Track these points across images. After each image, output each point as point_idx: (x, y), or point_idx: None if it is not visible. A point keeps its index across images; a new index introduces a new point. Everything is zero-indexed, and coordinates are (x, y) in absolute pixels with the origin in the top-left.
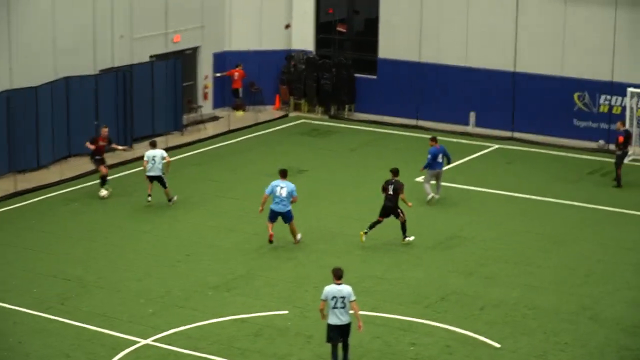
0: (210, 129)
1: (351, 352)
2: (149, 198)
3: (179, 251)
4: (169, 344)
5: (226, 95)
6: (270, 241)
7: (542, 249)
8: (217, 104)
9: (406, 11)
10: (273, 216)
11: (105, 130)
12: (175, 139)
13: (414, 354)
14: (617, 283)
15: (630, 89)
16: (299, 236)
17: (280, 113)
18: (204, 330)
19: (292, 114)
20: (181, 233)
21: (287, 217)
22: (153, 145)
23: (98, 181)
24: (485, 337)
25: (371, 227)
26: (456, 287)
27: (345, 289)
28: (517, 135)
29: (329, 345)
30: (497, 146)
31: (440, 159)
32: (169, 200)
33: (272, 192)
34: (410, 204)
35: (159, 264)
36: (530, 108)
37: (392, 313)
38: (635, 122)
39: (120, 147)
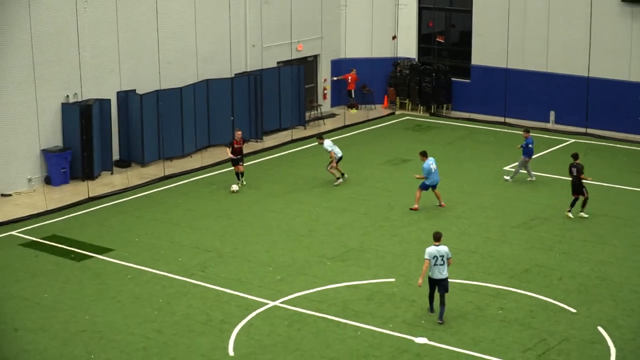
0: (329, 124)
1: (447, 313)
2: (339, 181)
3: (302, 227)
4: (294, 306)
5: (342, 96)
6: (415, 209)
7: (614, 230)
8: (334, 103)
9: (496, 25)
10: (427, 187)
11: (239, 134)
12: (299, 133)
13: (502, 317)
14: None
15: None
16: (443, 202)
17: (388, 111)
18: (323, 294)
19: (398, 112)
20: (303, 213)
21: (437, 185)
22: (322, 137)
23: (232, 168)
24: (563, 304)
25: (572, 204)
26: (537, 260)
27: (443, 248)
28: (590, 131)
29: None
30: (573, 140)
31: (531, 147)
32: (343, 175)
33: (429, 171)
34: (590, 178)
35: (284, 238)
36: (602, 108)
37: (483, 282)
38: None
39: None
